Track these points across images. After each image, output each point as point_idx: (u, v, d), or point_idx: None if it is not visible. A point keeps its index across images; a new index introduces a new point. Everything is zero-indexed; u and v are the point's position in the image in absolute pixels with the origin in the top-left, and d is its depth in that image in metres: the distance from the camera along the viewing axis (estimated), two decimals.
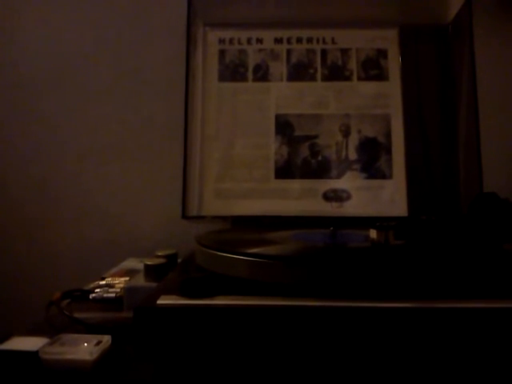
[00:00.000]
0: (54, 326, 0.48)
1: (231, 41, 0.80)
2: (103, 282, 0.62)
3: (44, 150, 0.85)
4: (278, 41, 0.80)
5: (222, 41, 0.80)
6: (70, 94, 0.85)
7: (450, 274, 0.38)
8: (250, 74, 0.79)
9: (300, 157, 0.77)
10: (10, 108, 0.86)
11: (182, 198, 0.76)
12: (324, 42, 0.80)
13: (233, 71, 0.80)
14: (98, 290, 0.60)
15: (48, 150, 0.85)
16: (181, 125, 0.77)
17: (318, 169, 0.77)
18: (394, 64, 0.79)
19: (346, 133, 0.77)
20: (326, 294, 0.36)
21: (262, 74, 0.79)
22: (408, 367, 0.35)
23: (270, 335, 0.35)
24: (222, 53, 0.80)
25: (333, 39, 0.80)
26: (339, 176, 0.76)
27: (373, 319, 0.35)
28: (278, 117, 0.78)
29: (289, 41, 0.80)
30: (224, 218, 0.76)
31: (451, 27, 0.79)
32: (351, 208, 0.75)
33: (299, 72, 0.79)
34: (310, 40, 0.80)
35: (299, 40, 0.80)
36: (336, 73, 0.79)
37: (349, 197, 0.76)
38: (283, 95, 0.79)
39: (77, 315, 0.51)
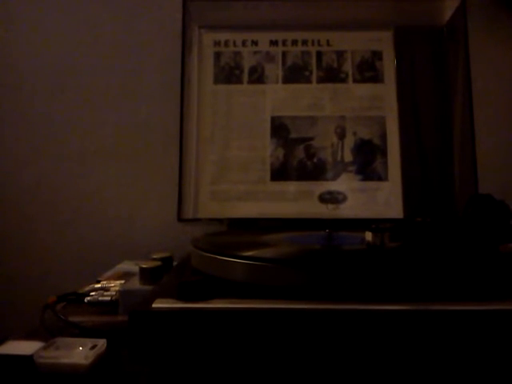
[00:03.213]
0: (49, 330, 0.48)
1: (226, 43, 0.80)
2: (98, 285, 0.62)
3: (39, 152, 0.85)
4: (274, 43, 0.80)
5: (217, 43, 0.80)
6: (66, 97, 0.85)
7: (445, 276, 0.38)
8: (245, 77, 0.79)
9: (296, 159, 0.77)
10: (6, 110, 0.85)
11: (177, 200, 0.76)
12: (319, 44, 0.80)
13: (228, 73, 0.80)
14: (93, 294, 0.59)
15: (43, 153, 0.85)
16: (176, 127, 0.77)
17: (313, 171, 0.77)
18: (389, 66, 0.79)
19: (342, 135, 0.77)
20: (322, 296, 0.36)
21: (257, 76, 0.79)
22: (404, 369, 0.35)
23: (266, 338, 0.35)
24: (217, 55, 0.80)
25: (328, 41, 0.80)
26: (335, 178, 0.76)
27: (368, 322, 0.35)
28: (273, 119, 0.78)
29: (284, 43, 0.80)
30: (220, 221, 0.75)
31: (446, 29, 0.79)
32: (347, 210, 0.75)
33: (294, 74, 0.79)
34: (305, 42, 0.80)
35: (294, 42, 0.80)
36: (331, 75, 0.79)
37: (344, 199, 0.76)
38: (279, 97, 0.79)
39: (72, 319, 0.51)
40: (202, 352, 0.35)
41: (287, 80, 0.79)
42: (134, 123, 0.84)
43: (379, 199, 0.75)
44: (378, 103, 0.78)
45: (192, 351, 0.35)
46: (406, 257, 0.43)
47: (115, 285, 0.61)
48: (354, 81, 0.79)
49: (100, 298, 0.58)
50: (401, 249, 0.46)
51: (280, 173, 0.77)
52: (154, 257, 0.57)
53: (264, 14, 0.79)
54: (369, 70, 0.79)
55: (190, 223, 0.77)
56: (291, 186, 0.76)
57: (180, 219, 0.75)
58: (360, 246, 0.50)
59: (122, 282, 0.61)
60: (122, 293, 0.53)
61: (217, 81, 0.79)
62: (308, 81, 0.79)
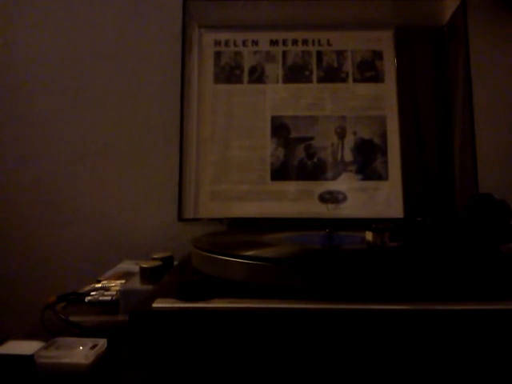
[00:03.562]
0: (50, 330, 0.48)
1: (227, 43, 0.80)
2: (99, 285, 0.62)
3: (39, 152, 0.85)
4: (274, 43, 0.80)
5: (217, 43, 0.80)
6: (66, 98, 0.85)
7: (446, 276, 0.38)
8: (245, 76, 0.79)
9: (296, 158, 0.77)
10: (6, 110, 0.85)
11: (177, 200, 0.76)
12: (319, 43, 0.80)
13: (228, 73, 0.80)
14: (93, 293, 0.59)
15: (43, 153, 0.84)
16: (176, 127, 0.77)
17: (313, 170, 0.77)
18: (389, 65, 0.79)
19: (342, 134, 0.77)
20: (322, 296, 0.36)
21: (257, 75, 0.79)
22: (405, 369, 0.35)
23: (266, 338, 0.35)
24: (217, 55, 0.80)
25: (328, 41, 0.80)
26: (335, 177, 0.76)
27: (369, 321, 0.35)
28: (273, 119, 0.78)
29: (284, 43, 0.80)
30: (220, 220, 0.76)
31: (447, 28, 0.79)
32: (347, 209, 0.75)
33: (295, 74, 0.79)
34: (305, 42, 0.80)
35: (295, 42, 0.80)
36: (331, 74, 0.79)
37: (345, 198, 0.76)
38: (279, 97, 0.79)
39: (72, 318, 0.51)
40: (202, 352, 0.35)
41: (287, 80, 0.79)
42: (134, 123, 0.84)
43: (379, 199, 0.75)
44: (378, 103, 0.78)
45: (192, 351, 0.35)
46: (407, 256, 0.43)
47: (116, 284, 0.61)
48: (355, 80, 0.79)
49: (100, 298, 0.58)
50: (401, 248, 0.46)
51: (280, 172, 0.77)
52: (155, 256, 0.57)
53: (264, 13, 0.79)
54: (369, 70, 0.79)
55: (190, 223, 0.77)
56: (291, 186, 0.76)
57: (180, 219, 0.75)
58: (360, 246, 0.50)
59: (123, 281, 0.61)
60: (123, 292, 0.53)
61: (217, 80, 0.79)
62: (308, 80, 0.79)
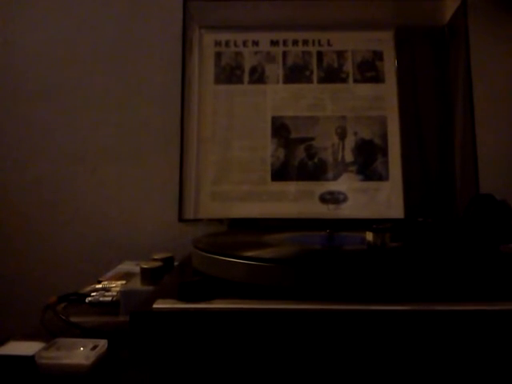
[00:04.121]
0: (50, 330, 0.48)
1: (227, 43, 0.80)
2: (99, 286, 0.62)
3: (40, 153, 0.84)
4: (274, 43, 0.80)
5: (217, 43, 0.80)
6: (66, 98, 0.85)
7: (446, 276, 0.38)
8: (246, 77, 0.79)
9: (296, 159, 0.77)
10: (6, 112, 0.85)
11: (178, 200, 0.76)
12: (320, 44, 0.80)
13: (229, 74, 0.80)
14: (94, 294, 0.59)
15: (44, 154, 0.84)
16: (177, 127, 0.77)
17: (314, 171, 0.77)
18: (389, 66, 0.79)
19: (342, 135, 0.77)
20: (323, 296, 0.36)
21: (258, 76, 0.79)
22: (405, 370, 0.35)
23: (267, 339, 0.35)
24: (218, 55, 0.80)
25: (328, 41, 0.80)
26: (336, 178, 0.76)
27: (370, 322, 0.35)
28: (274, 119, 0.78)
29: (285, 43, 0.80)
30: (220, 221, 0.76)
31: (447, 28, 0.79)
32: (348, 210, 0.75)
33: (295, 74, 0.79)
34: (305, 42, 0.80)
35: (295, 42, 0.80)
36: (332, 75, 0.79)
37: (345, 199, 0.76)
38: (279, 97, 0.79)
39: (73, 319, 0.51)
40: (202, 352, 0.35)
41: (288, 80, 0.79)
42: (134, 123, 0.84)
43: (380, 199, 0.75)
44: (378, 103, 0.78)
45: (193, 352, 0.35)
46: (407, 257, 0.43)
47: (116, 285, 0.61)
48: (355, 81, 0.79)
49: (101, 299, 0.58)
50: (402, 249, 0.46)
51: (281, 173, 0.77)
52: (155, 257, 0.57)
53: (264, 14, 0.79)
54: (369, 70, 0.79)
55: (190, 223, 0.77)
56: (292, 186, 0.76)
57: (181, 219, 0.76)
58: (361, 247, 0.50)
59: (123, 282, 0.61)
60: (123, 293, 0.53)
61: (218, 81, 0.80)
62: (309, 81, 0.79)
